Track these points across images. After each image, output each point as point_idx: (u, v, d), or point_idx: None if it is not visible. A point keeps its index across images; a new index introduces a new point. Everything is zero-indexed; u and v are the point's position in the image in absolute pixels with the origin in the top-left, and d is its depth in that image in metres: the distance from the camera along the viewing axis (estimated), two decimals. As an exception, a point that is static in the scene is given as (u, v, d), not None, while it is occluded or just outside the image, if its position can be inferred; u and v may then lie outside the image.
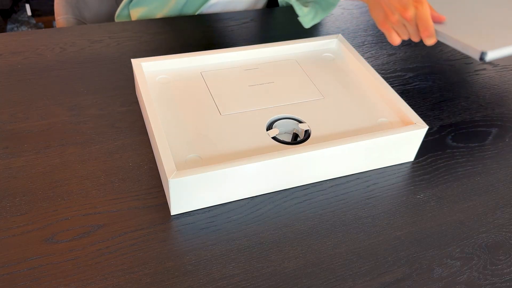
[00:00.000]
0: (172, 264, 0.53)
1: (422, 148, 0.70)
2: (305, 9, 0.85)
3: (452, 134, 0.74)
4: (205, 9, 0.99)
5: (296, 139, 0.65)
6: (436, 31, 0.70)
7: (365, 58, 0.77)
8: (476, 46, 0.65)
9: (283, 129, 0.66)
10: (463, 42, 0.67)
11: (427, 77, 0.86)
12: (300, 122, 0.66)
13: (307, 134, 0.64)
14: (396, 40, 0.72)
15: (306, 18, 0.87)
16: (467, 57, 0.92)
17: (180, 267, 0.53)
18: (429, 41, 0.70)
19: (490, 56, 0.65)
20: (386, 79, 0.82)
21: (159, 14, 0.98)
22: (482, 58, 0.65)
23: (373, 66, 0.77)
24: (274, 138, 0.63)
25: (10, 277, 0.51)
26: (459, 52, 0.90)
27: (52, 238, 0.54)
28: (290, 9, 1.04)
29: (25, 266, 0.52)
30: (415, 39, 0.70)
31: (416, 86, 0.83)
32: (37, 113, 0.71)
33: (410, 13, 0.67)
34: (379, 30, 0.98)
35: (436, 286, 0.53)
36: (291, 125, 0.66)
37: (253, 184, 0.60)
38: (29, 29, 2.35)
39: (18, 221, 0.56)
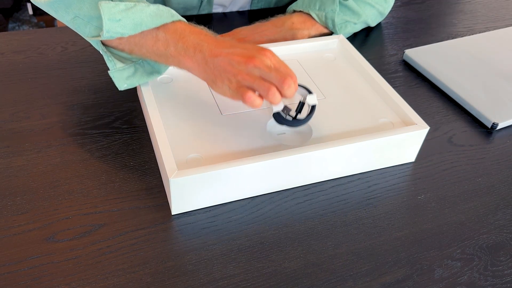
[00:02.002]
0: (173, 263, 0.53)
1: (423, 149, 0.70)
2: (120, 64, 0.63)
3: (453, 134, 0.74)
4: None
5: (301, 111, 0.62)
6: (455, 93, 0.79)
7: (366, 59, 0.77)
8: (489, 117, 0.75)
9: (287, 100, 0.63)
10: (478, 110, 0.76)
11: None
12: (309, 92, 0.61)
13: (313, 109, 0.61)
14: (256, 100, 0.56)
15: (119, 74, 0.64)
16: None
17: (181, 266, 0.53)
18: (291, 91, 0.57)
19: (501, 126, 0.75)
20: (387, 79, 0.82)
21: None
22: (493, 127, 0.75)
23: (374, 66, 0.77)
24: (277, 113, 0.60)
25: (10, 276, 0.51)
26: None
27: (52, 237, 0.54)
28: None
29: (26, 265, 0.52)
30: (283, 87, 0.56)
31: (417, 87, 0.83)
32: (38, 112, 0.71)
33: (259, 59, 0.56)
34: (380, 31, 0.98)
35: (436, 287, 0.53)
36: (297, 96, 0.62)
37: (254, 184, 0.60)
38: (31, 28, 2.35)
39: (18, 220, 0.56)
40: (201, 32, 0.61)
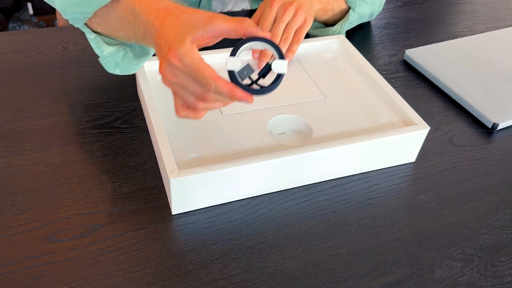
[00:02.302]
0: (173, 263, 0.53)
1: (424, 149, 0.70)
2: (108, 50, 0.63)
3: (454, 135, 0.74)
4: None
5: (265, 76, 0.50)
6: (456, 94, 0.79)
7: (366, 59, 0.77)
8: (490, 117, 0.75)
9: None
10: (478, 110, 0.76)
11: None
12: (280, 56, 0.49)
13: (279, 78, 0.50)
14: (179, 108, 0.53)
15: (107, 62, 0.65)
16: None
17: (181, 266, 0.53)
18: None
19: (501, 126, 0.75)
20: (387, 79, 0.82)
21: None
22: (493, 127, 0.75)
23: (374, 66, 0.77)
24: (231, 73, 0.48)
25: (11, 275, 0.51)
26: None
27: (53, 237, 0.54)
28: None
29: (26, 265, 0.52)
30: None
31: (418, 87, 0.83)
32: (38, 111, 0.71)
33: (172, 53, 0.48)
34: (380, 31, 0.98)
35: (437, 287, 0.53)
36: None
37: (254, 184, 0.60)
38: (31, 28, 2.35)
39: (19, 220, 0.56)
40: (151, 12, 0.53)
